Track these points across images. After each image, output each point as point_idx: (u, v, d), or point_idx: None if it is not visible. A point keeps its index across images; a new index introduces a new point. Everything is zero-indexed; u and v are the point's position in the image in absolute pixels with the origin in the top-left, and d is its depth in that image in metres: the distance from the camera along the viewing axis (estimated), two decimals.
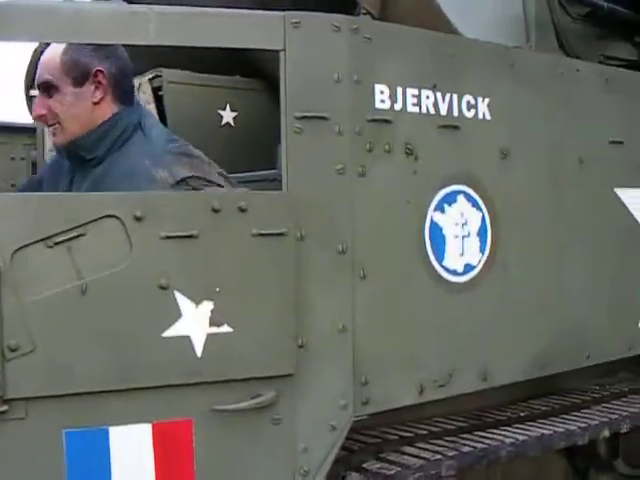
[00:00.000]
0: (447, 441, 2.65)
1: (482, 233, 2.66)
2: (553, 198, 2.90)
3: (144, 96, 3.52)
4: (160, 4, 2.23)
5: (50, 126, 2.64)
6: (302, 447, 2.29)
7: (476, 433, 2.75)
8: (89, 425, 2.09)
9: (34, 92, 4.20)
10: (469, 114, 2.62)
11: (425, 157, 2.51)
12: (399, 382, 2.49)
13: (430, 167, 2.53)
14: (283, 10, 2.27)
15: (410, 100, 2.48)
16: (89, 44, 2.51)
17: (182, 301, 2.11)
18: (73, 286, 2.03)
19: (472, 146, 2.64)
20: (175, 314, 2.11)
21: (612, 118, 3.13)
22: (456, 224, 2.59)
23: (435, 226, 2.54)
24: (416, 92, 2.49)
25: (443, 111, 2.56)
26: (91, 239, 2.06)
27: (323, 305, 2.31)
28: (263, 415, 2.24)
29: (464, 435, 2.71)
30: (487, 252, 2.67)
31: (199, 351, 2.13)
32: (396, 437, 2.68)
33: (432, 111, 2.53)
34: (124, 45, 2.63)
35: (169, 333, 2.10)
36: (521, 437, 2.70)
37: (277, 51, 2.26)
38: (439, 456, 2.52)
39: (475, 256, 2.65)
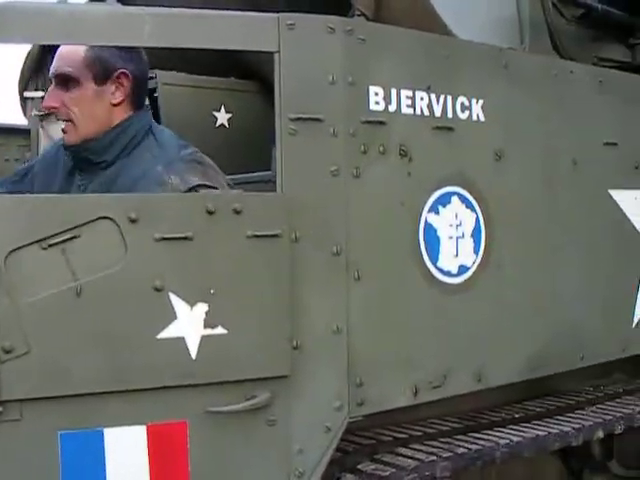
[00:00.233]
0: (442, 442, 2.66)
1: (476, 234, 2.66)
2: (547, 199, 2.90)
3: None
4: (154, 6, 2.24)
5: (62, 121, 2.60)
6: (297, 448, 2.29)
7: (471, 434, 2.75)
8: (84, 427, 2.09)
9: (28, 94, 4.22)
10: (463, 115, 2.62)
11: (419, 158, 2.52)
12: (394, 383, 2.49)
13: (424, 168, 2.53)
14: (277, 12, 2.27)
15: (404, 101, 2.48)
16: None
17: (177, 303, 2.11)
18: (68, 288, 2.03)
19: (466, 148, 2.65)
20: (170, 316, 2.11)
21: (606, 120, 3.14)
22: (450, 225, 2.60)
23: (429, 227, 2.54)
24: (410, 93, 2.49)
25: (437, 112, 2.56)
26: (86, 241, 2.06)
27: (318, 306, 2.31)
28: (258, 416, 2.24)
29: (459, 436, 2.72)
30: (481, 253, 2.68)
31: (194, 353, 2.13)
32: (391, 438, 2.68)
33: (426, 112, 2.53)
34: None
35: (164, 335, 2.10)
36: (515, 438, 2.71)
37: (271, 53, 2.26)
38: (434, 457, 2.52)
39: (469, 257, 2.65)
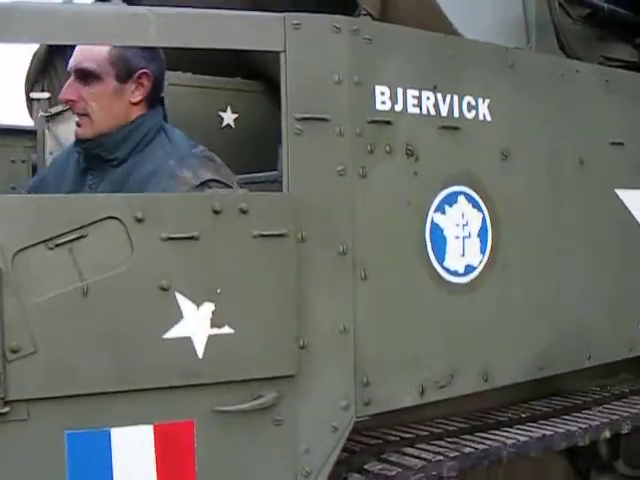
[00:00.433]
0: (448, 442, 2.65)
1: (483, 234, 2.66)
2: (554, 199, 2.90)
3: None
4: (160, 6, 2.24)
5: (78, 115, 2.60)
6: (304, 448, 2.29)
7: (477, 434, 2.75)
8: (91, 426, 2.09)
9: (35, 95, 4.23)
10: (470, 115, 2.62)
11: (426, 158, 2.51)
12: (400, 383, 2.49)
13: (431, 168, 2.53)
14: (283, 11, 2.27)
15: (410, 101, 2.48)
16: None
17: (183, 302, 2.11)
18: (74, 288, 2.04)
19: (473, 147, 2.64)
20: (176, 315, 2.11)
21: (612, 119, 3.13)
22: (457, 225, 2.59)
23: (436, 227, 2.54)
24: (417, 93, 2.49)
25: (444, 112, 2.56)
26: (92, 241, 2.06)
27: (324, 306, 2.31)
28: (264, 416, 2.24)
29: (465, 436, 2.72)
30: (488, 253, 2.68)
31: (200, 352, 2.13)
32: (397, 438, 2.68)
33: (433, 112, 2.53)
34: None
35: (170, 334, 2.10)
36: (522, 438, 2.71)
37: (277, 52, 2.26)
38: (440, 457, 2.52)
39: (476, 257, 2.65)
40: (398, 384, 2.48)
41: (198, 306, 2.13)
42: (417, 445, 2.64)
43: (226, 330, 2.15)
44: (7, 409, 1.99)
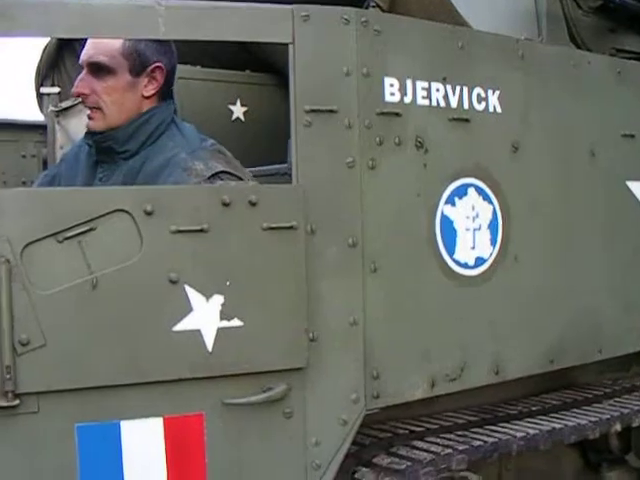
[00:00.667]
0: (458, 435, 2.64)
1: (493, 226, 2.65)
2: (565, 191, 2.88)
3: None
4: None
5: (90, 108, 2.59)
6: (313, 441, 2.29)
7: (487, 427, 2.74)
8: (101, 419, 2.10)
9: (45, 89, 4.23)
10: (480, 107, 2.61)
11: (435, 150, 2.51)
12: (410, 376, 2.48)
13: (440, 160, 2.52)
14: (292, 3, 2.27)
15: (420, 93, 2.47)
16: None
17: (192, 295, 2.11)
18: (84, 281, 2.04)
19: (483, 139, 2.63)
20: (185, 308, 2.11)
21: (624, 111, 3.11)
22: (467, 217, 2.58)
23: (446, 219, 2.53)
24: (426, 85, 2.48)
25: (453, 104, 2.55)
26: (101, 234, 2.06)
27: (334, 298, 2.31)
28: (274, 409, 2.24)
29: (475, 429, 2.70)
30: (498, 245, 2.66)
31: (210, 345, 2.13)
32: (407, 431, 2.67)
33: (442, 104, 2.52)
34: None
35: (179, 327, 2.11)
36: (532, 431, 2.69)
37: (286, 44, 2.25)
38: (450, 450, 2.51)
39: (486, 249, 2.64)
40: (408, 377, 2.48)
41: (207, 299, 2.13)
42: (426, 438, 2.63)
43: (235, 323, 2.15)
44: (17, 402, 2.00)
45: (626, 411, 3.00)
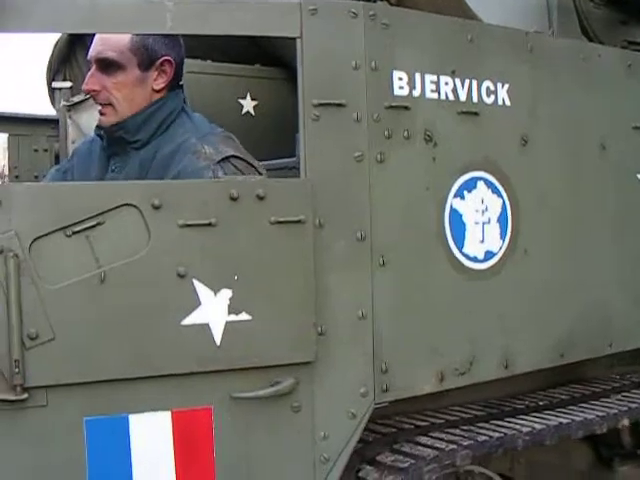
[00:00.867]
0: (464, 430, 2.63)
1: (503, 219, 2.64)
2: (575, 184, 2.87)
3: None
4: None
5: (101, 104, 2.60)
6: (322, 434, 2.29)
7: (493, 422, 2.72)
8: (109, 413, 2.11)
9: (56, 84, 4.24)
10: (489, 100, 2.60)
11: (444, 143, 2.50)
12: (419, 369, 2.48)
13: (449, 153, 2.52)
14: None
15: (429, 86, 2.47)
16: None
17: (200, 289, 2.12)
18: (92, 275, 2.05)
19: (492, 132, 2.63)
20: (194, 302, 2.12)
21: (635, 103, 3.09)
22: (476, 211, 2.58)
23: (455, 213, 2.53)
24: (435, 78, 2.48)
25: (462, 97, 2.54)
26: (109, 228, 2.07)
27: (342, 292, 2.31)
28: (282, 402, 2.24)
29: (481, 424, 2.69)
30: (508, 239, 2.66)
31: (218, 339, 2.14)
32: (412, 426, 2.67)
33: (451, 97, 2.52)
34: None
35: (188, 321, 2.11)
36: (538, 426, 2.68)
37: (294, 39, 2.25)
38: (454, 446, 2.50)
39: (496, 243, 2.63)
40: (417, 371, 2.48)
41: (215, 293, 2.14)
42: (431, 433, 2.62)
43: (243, 317, 2.16)
44: (26, 395, 2.01)
45: (634, 406, 2.98)
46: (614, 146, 2.98)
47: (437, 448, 2.48)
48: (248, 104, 3.70)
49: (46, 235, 2.02)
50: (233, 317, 2.15)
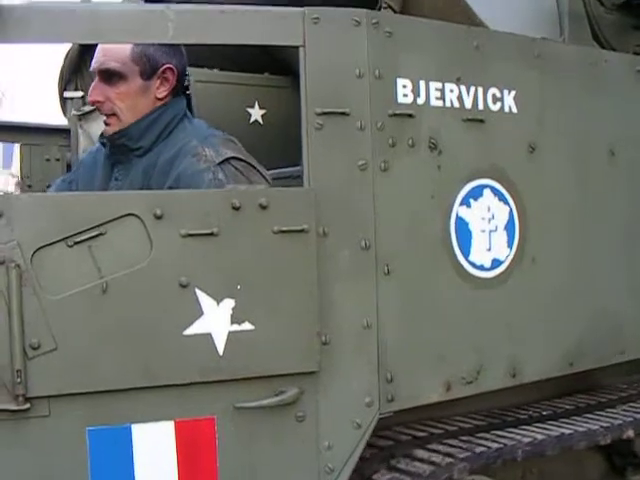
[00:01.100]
0: (462, 441, 2.59)
1: (510, 227, 2.62)
2: (583, 191, 2.85)
3: None
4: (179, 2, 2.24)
5: (105, 115, 2.61)
6: (326, 444, 2.28)
7: (493, 432, 2.69)
8: (112, 423, 2.11)
9: (68, 94, 4.26)
10: (495, 107, 2.59)
11: (450, 151, 2.49)
12: (425, 379, 2.47)
13: (455, 161, 2.51)
14: (309, 6, 2.26)
15: (433, 94, 2.45)
16: None
17: (203, 299, 2.12)
18: (94, 285, 2.05)
19: (498, 140, 2.61)
20: (196, 312, 2.11)
21: None
22: (483, 218, 2.56)
23: (461, 221, 2.52)
24: (439, 86, 2.46)
25: (468, 104, 2.53)
26: (111, 238, 2.07)
27: (347, 301, 2.30)
28: (286, 412, 2.23)
29: (481, 434, 2.66)
30: (515, 247, 2.64)
31: (221, 349, 2.14)
32: (410, 437, 2.64)
33: (456, 105, 2.51)
34: None
35: (190, 331, 2.11)
36: (540, 436, 2.64)
37: (297, 47, 2.25)
38: (450, 460, 2.46)
39: (503, 251, 2.61)
40: (423, 380, 2.46)
41: (218, 302, 2.13)
42: (429, 445, 2.58)
43: (246, 326, 2.15)
44: (28, 405, 2.01)
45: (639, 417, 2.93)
46: (624, 152, 2.96)
47: (433, 463, 2.45)
48: (256, 113, 3.70)
49: (48, 245, 2.03)
50: (236, 327, 2.14)
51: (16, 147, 4.62)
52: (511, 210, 2.63)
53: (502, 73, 2.62)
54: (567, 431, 2.70)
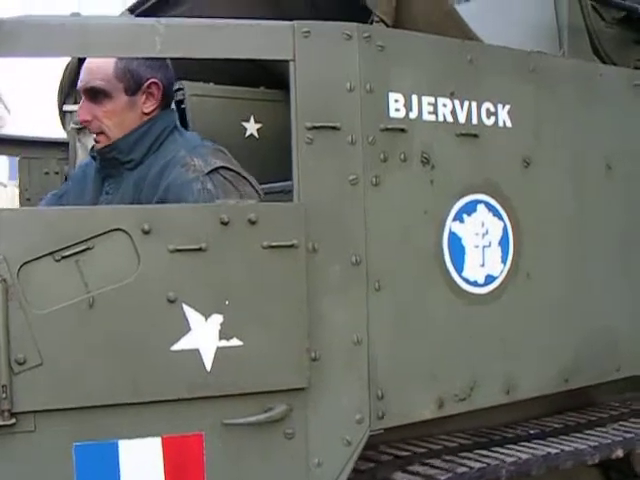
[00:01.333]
0: (445, 461, 2.54)
1: (504, 243, 2.60)
2: (579, 205, 2.83)
3: None
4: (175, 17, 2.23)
5: (95, 133, 2.62)
6: (316, 461, 2.26)
7: (477, 451, 2.63)
8: (99, 438, 2.09)
9: (67, 107, 4.25)
10: (489, 122, 2.57)
11: (443, 166, 2.47)
12: (417, 396, 2.44)
13: (448, 176, 2.49)
14: (300, 19, 2.25)
15: (426, 108, 2.44)
16: None
17: (191, 314, 2.10)
18: (80, 300, 2.04)
19: (492, 155, 2.59)
20: (184, 328, 2.10)
21: None
22: (476, 234, 2.54)
23: (454, 236, 2.50)
24: (432, 100, 2.45)
25: (461, 119, 2.51)
26: (99, 253, 2.06)
27: (337, 317, 2.28)
28: (275, 429, 2.21)
29: (464, 453, 2.60)
30: (509, 263, 2.62)
31: (209, 365, 2.12)
32: (391, 457, 2.58)
33: (450, 119, 2.49)
34: None
35: (178, 347, 2.09)
36: (525, 456, 2.58)
37: (287, 61, 2.24)
38: None
39: (497, 266, 2.59)
40: (415, 397, 2.44)
41: (206, 318, 2.12)
42: (410, 467, 2.52)
43: (235, 342, 2.14)
44: (13, 421, 2.00)
45: (629, 436, 2.86)
46: (621, 167, 2.93)
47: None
48: (252, 127, 3.69)
49: (35, 260, 2.01)
50: (224, 343, 2.13)
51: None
52: (505, 225, 2.61)
53: (496, 87, 2.60)
54: (554, 450, 2.64)
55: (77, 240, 2.04)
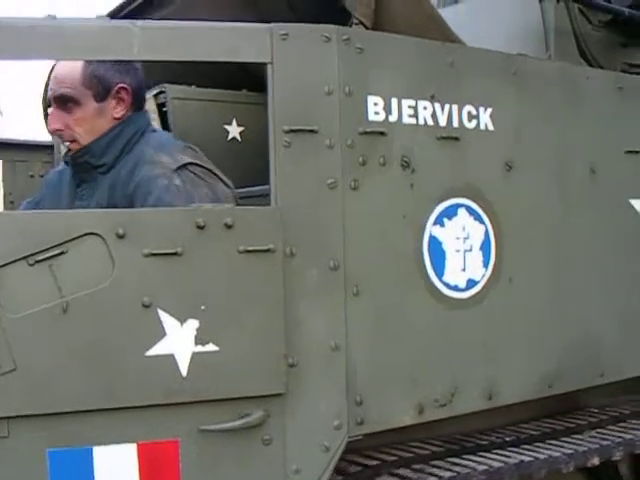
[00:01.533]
0: (414, 470, 2.50)
1: (485, 247, 2.58)
2: (562, 210, 2.80)
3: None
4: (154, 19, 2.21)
5: (67, 142, 2.62)
6: (294, 468, 2.23)
7: (449, 459, 2.59)
8: (73, 445, 2.07)
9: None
10: (470, 125, 2.55)
11: (423, 170, 2.45)
12: (396, 401, 2.42)
13: (428, 180, 2.46)
14: (278, 22, 2.23)
15: (406, 111, 2.42)
16: None
17: (166, 319, 2.08)
18: (54, 304, 2.02)
19: (474, 158, 2.57)
20: (159, 333, 2.07)
21: (627, 127, 3.02)
22: (457, 238, 2.52)
23: (434, 240, 2.47)
24: (412, 103, 2.43)
25: (442, 122, 2.49)
26: (73, 257, 2.04)
27: (314, 322, 2.26)
28: (252, 435, 2.19)
29: (435, 461, 2.56)
30: (491, 267, 2.60)
31: (184, 370, 2.09)
32: (359, 468, 2.53)
33: (430, 122, 2.46)
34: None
35: (153, 352, 2.07)
36: (497, 464, 2.53)
37: (265, 64, 2.22)
38: None
39: (478, 271, 2.57)
40: (394, 403, 2.41)
41: (182, 323, 2.09)
42: (378, 478, 2.49)
43: (211, 347, 2.11)
44: None
45: (605, 443, 2.81)
46: (605, 171, 2.91)
47: None
48: (234, 130, 3.67)
49: (8, 264, 1.99)
50: (200, 348, 2.10)
51: None
52: (487, 230, 2.59)
53: (478, 90, 2.58)
54: (527, 458, 2.59)
55: (51, 244, 2.02)
